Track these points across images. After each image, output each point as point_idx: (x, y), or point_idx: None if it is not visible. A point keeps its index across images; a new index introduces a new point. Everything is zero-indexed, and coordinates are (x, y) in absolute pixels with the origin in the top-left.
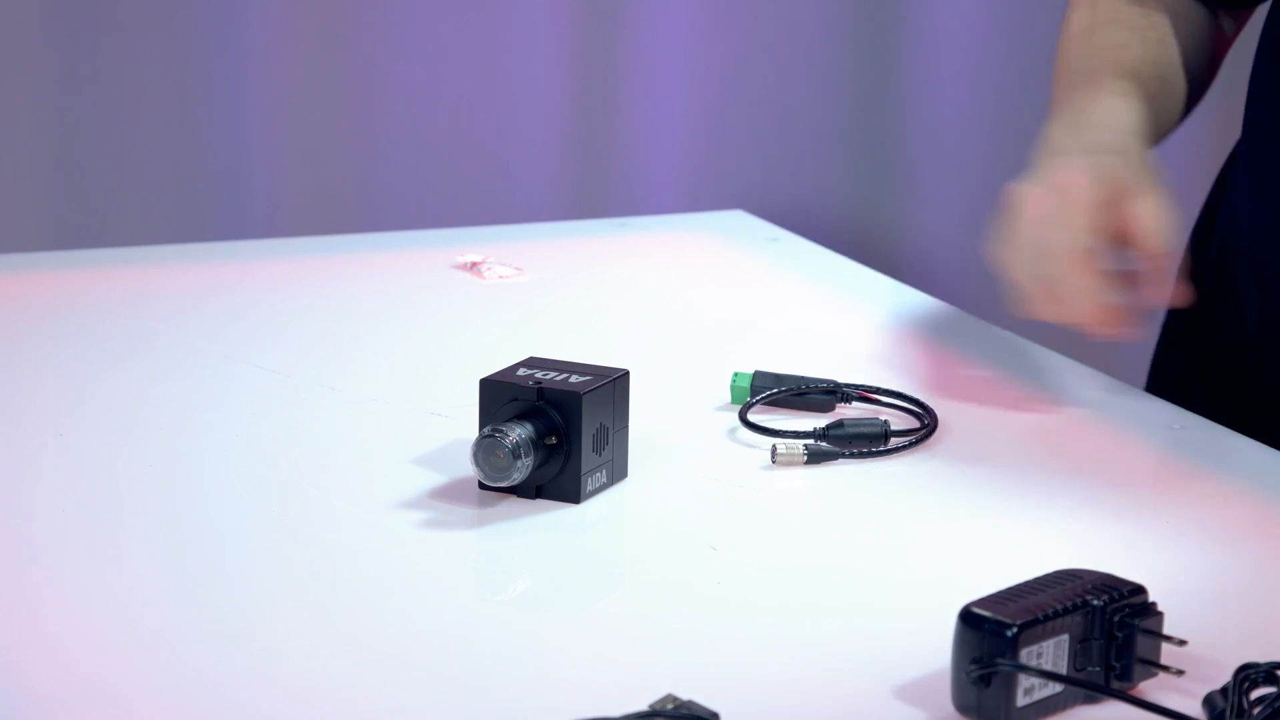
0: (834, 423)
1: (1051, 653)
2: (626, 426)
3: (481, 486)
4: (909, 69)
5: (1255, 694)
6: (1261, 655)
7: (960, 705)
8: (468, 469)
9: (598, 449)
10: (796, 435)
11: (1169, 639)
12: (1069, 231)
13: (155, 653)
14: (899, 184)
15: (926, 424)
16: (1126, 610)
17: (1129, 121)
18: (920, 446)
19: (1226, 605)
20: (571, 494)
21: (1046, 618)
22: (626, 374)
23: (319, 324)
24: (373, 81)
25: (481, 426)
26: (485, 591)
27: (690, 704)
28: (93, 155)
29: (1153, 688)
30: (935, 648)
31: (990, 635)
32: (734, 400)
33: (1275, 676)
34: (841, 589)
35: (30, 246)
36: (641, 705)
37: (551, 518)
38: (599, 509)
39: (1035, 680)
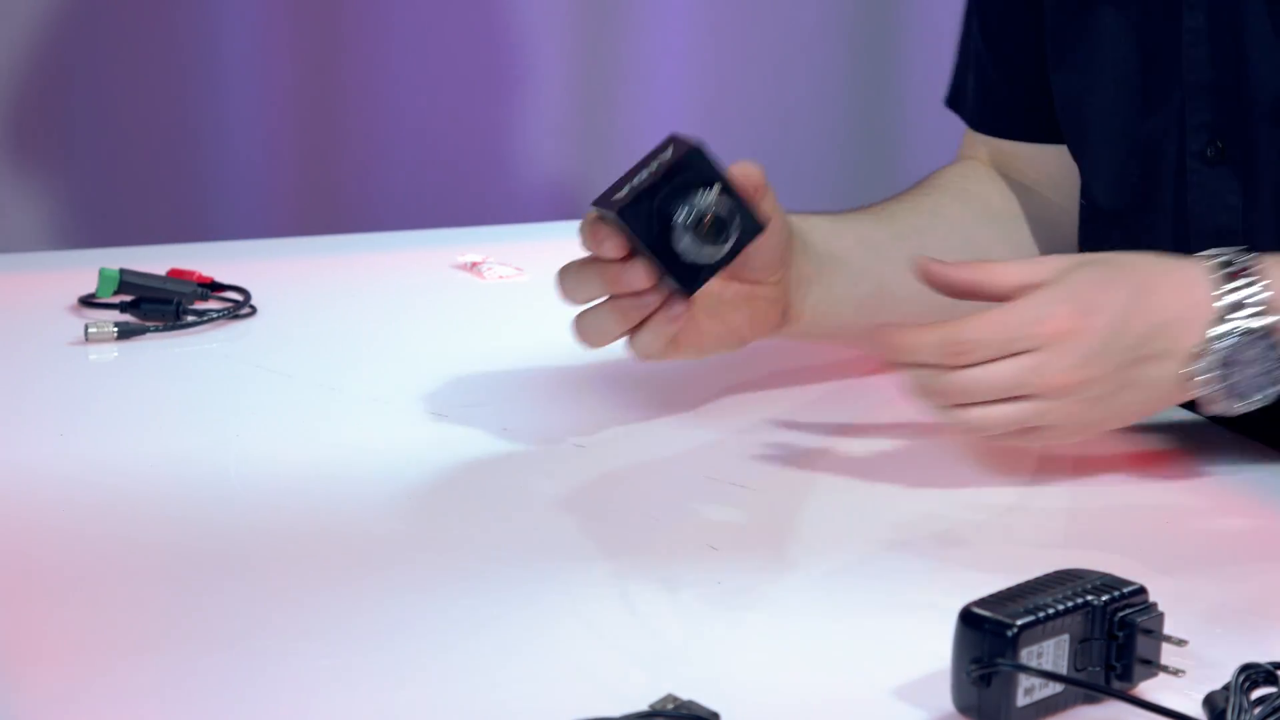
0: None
1: (1052, 653)
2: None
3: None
4: (909, 69)
5: (1255, 694)
6: (1261, 655)
7: (960, 705)
8: (468, 470)
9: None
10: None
11: (1169, 639)
12: None
13: (154, 652)
14: (899, 184)
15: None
16: (1127, 610)
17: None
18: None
19: (1226, 605)
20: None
21: (1047, 618)
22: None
23: (319, 324)
24: (372, 81)
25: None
26: (485, 590)
27: (690, 704)
28: (93, 155)
29: (1153, 688)
30: (935, 648)
31: (990, 635)
32: (100, 292)
33: (1275, 676)
34: (841, 588)
35: (30, 246)
36: (641, 705)
37: (552, 517)
38: (600, 508)
39: (1035, 680)
